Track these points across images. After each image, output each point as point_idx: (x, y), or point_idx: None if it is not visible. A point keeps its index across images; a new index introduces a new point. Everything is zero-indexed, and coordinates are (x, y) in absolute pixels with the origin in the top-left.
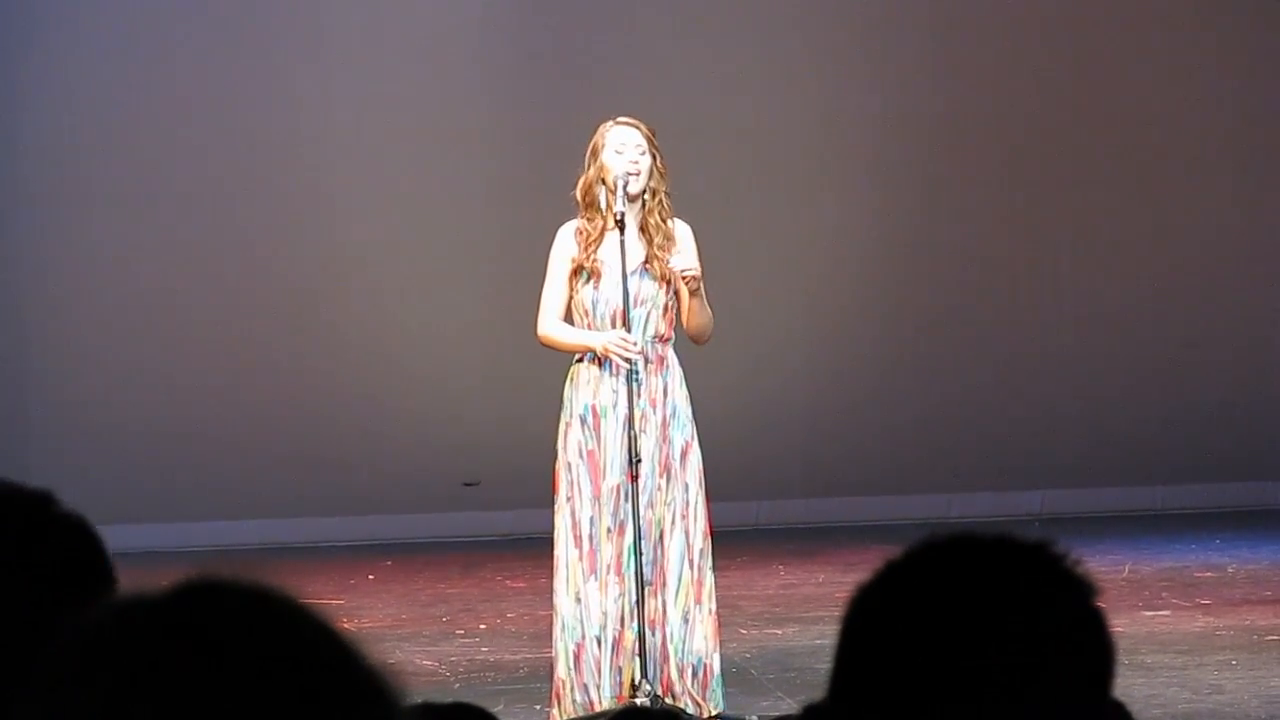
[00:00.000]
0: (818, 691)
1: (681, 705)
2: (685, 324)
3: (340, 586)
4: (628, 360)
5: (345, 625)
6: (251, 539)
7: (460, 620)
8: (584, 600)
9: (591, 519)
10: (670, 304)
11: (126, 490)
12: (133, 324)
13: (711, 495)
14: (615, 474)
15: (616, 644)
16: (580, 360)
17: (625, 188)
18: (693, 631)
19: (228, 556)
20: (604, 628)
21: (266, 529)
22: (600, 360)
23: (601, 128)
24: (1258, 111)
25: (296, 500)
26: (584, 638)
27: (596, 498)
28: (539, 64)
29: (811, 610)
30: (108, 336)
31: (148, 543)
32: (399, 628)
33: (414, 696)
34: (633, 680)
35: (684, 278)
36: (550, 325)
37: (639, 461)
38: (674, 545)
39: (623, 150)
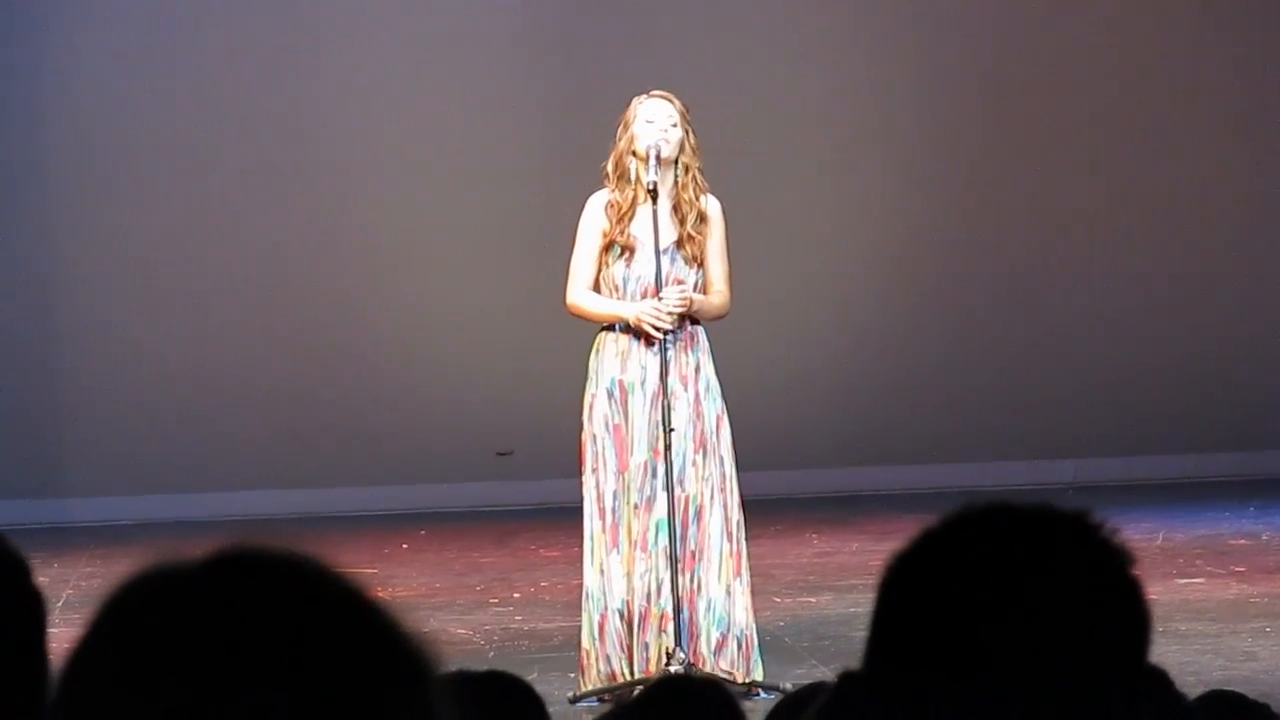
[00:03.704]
0: (852, 659)
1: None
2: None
3: (374, 556)
4: (660, 330)
5: (379, 595)
6: (285, 509)
7: (494, 589)
8: (606, 572)
9: (615, 493)
10: (700, 283)
11: (160, 461)
12: (164, 297)
13: (745, 464)
14: (643, 450)
15: (643, 619)
16: (608, 331)
17: (658, 156)
18: (734, 604)
19: (261, 526)
20: (627, 602)
21: (300, 499)
22: (630, 332)
23: (634, 100)
24: None
25: (330, 470)
26: (607, 609)
27: (621, 472)
28: (568, 38)
29: (846, 579)
30: (140, 310)
31: (181, 513)
32: (433, 597)
33: (448, 665)
34: (666, 650)
35: (678, 307)
36: (580, 294)
37: (673, 430)
38: (714, 520)
39: (654, 120)
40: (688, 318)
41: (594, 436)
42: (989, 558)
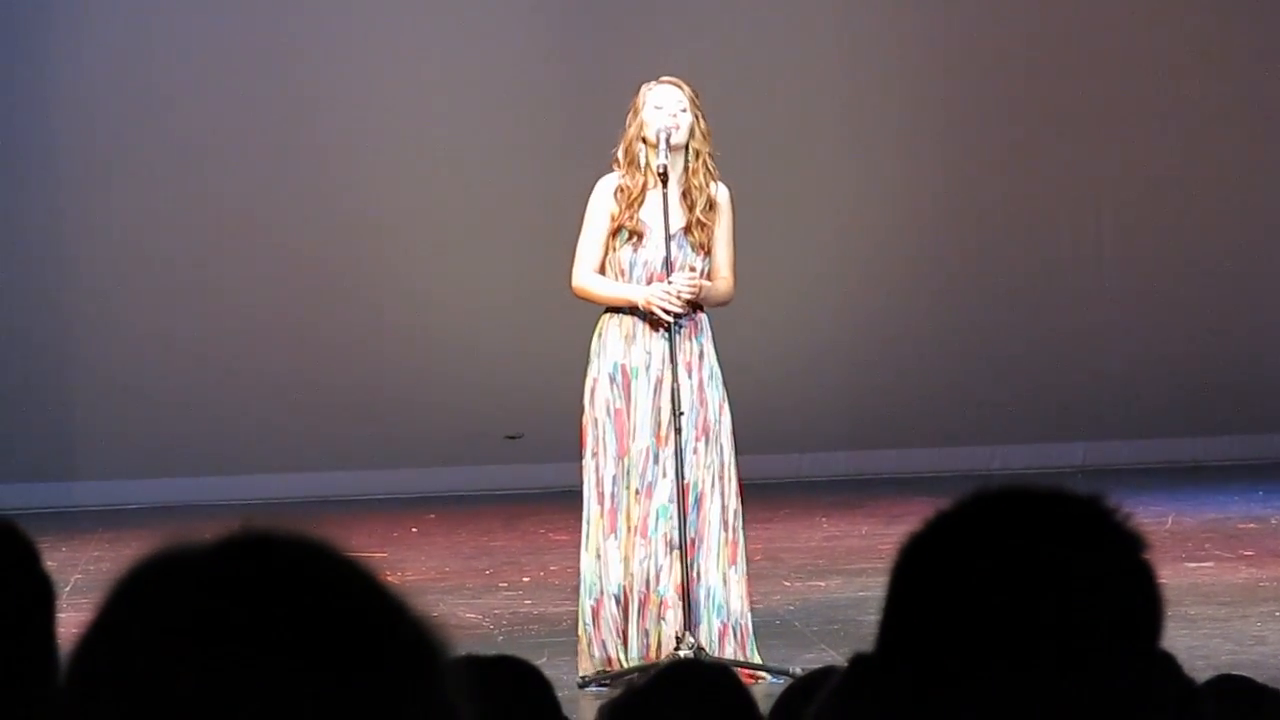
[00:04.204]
0: (862, 643)
1: None
2: None
3: (383, 539)
4: (670, 314)
5: (389, 578)
6: (295, 492)
7: (503, 573)
8: (603, 557)
9: (614, 478)
10: (705, 270)
11: (168, 445)
12: (173, 282)
13: (755, 447)
14: (645, 436)
15: (643, 606)
16: (612, 313)
17: (668, 140)
18: (730, 592)
19: (271, 509)
20: (627, 588)
21: (309, 482)
22: (636, 316)
23: (643, 87)
24: None
25: (339, 454)
26: (602, 594)
27: (620, 457)
28: (577, 22)
29: (855, 562)
30: (148, 295)
31: (189, 497)
32: (442, 580)
33: (457, 649)
34: (676, 634)
35: (689, 292)
36: (586, 277)
37: (683, 414)
38: (713, 507)
39: (662, 106)
40: (693, 304)
41: (595, 420)
42: (1003, 541)
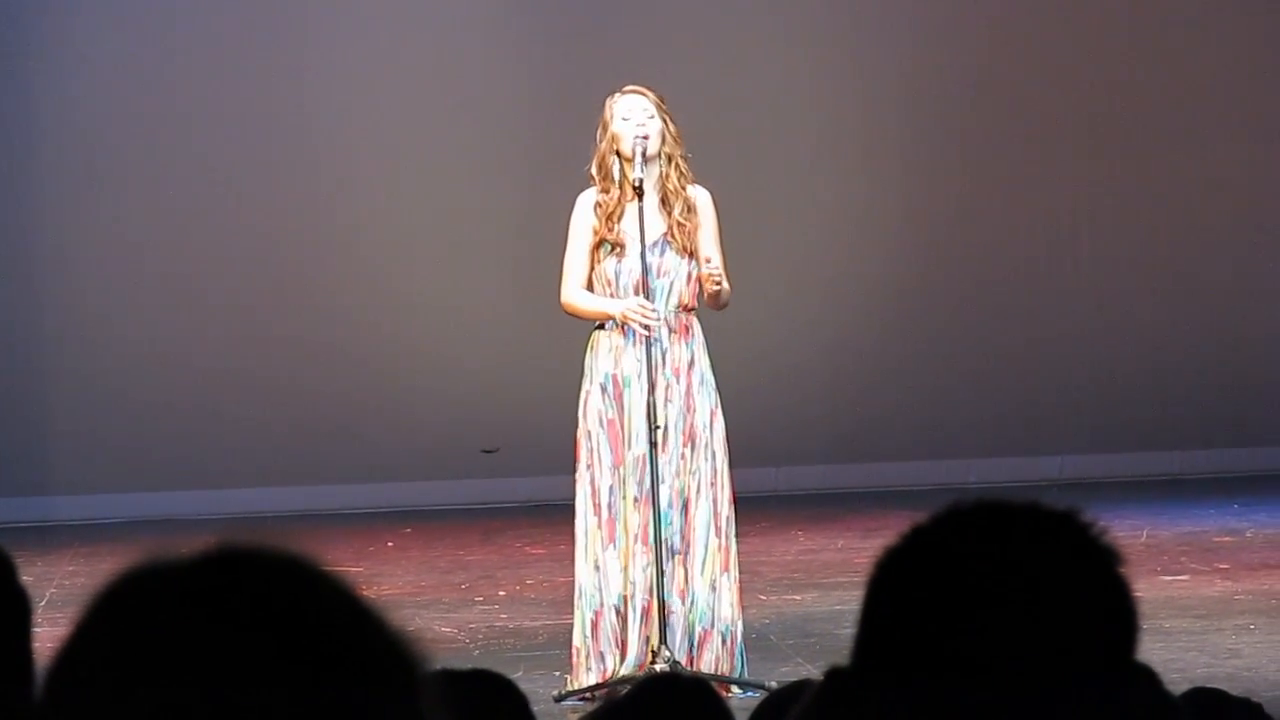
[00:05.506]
0: (838, 657)
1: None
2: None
3: (359, 554)
4: (646, 327)
5: (365, 593)
6: (270, 506)
7: (479, 587)
8: (602, 568)
9: (611, 488)
10: (693, 273)
11: (144, 459)
12: (151, 293)
13: (731, 460)
14: (640, 443)
15: (645, 613)
16: (601, 327)
17: (644, 154)
18: (720, 599)
19: (248, 523)
20: (629, 597)
21: (286, 496)
22: (622, 328)
23: (608, 100)
24: None
25: (315, 467)
26: (602, 606)
27: (616, 467)
28: (556, 34)
29: (831, 576)
30: (125, 307)
31: (165, 510)
32: (418, 595)
33: (433, 663)
34: (652, 649)
35: (707, 277)
36: (572, 292)
37: (659, 428)
38: (700, 514)
39: (629, 117)
40: (688, 308)
41: (588, 433)
42: (978, 555)
